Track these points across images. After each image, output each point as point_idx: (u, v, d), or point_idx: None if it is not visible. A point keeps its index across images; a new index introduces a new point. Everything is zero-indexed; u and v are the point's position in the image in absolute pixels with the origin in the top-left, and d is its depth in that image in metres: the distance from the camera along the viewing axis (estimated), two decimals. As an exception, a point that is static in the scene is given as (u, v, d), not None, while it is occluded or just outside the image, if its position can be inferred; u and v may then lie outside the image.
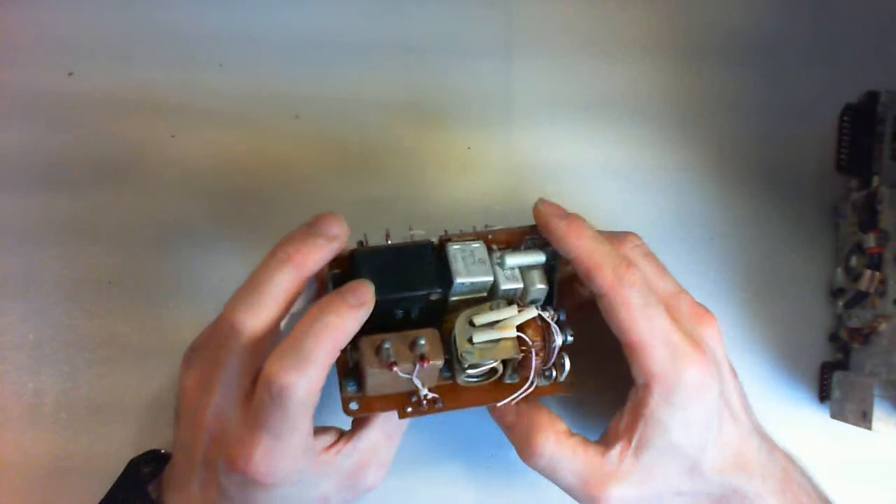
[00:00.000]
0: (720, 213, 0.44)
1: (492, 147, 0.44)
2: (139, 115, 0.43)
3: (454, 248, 0.34)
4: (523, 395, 0.34)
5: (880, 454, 0.42)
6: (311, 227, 0.32)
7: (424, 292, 0.32)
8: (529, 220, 0.35)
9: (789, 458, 0.37)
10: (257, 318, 0.31)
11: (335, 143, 0.43)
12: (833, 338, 0.42)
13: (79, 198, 0.42)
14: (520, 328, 0.33)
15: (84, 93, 0.43)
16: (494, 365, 0.34)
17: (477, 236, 0.34)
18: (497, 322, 0.33)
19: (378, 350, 0.32)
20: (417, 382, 0.32)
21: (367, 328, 0.31)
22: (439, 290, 0.33)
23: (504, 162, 0.44)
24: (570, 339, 0.34)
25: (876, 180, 0.40)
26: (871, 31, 0.45)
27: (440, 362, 0.32)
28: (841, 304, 0.42)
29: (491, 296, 0.35)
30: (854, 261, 0.41)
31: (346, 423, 0.35)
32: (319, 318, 0.29)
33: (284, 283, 0.31)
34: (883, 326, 0.38)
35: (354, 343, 0.32)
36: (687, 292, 0.36)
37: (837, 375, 0.40)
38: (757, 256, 0.43)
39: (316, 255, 0.31)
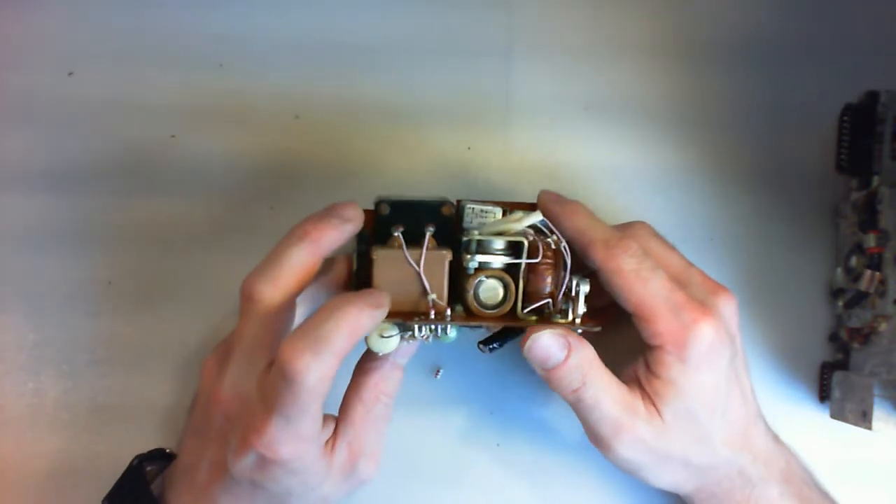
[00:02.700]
0: (720, 213, 0.44)
1: (492, 147, 0.44)
2: (139, 115, 0.43)
3: (466, 205, 0.36)
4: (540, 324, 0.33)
5: (880, 454, 0.42)
6: (328, 210, 0.34)
7: (437, 201, 0.35)
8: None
9: (791, 451, 0.38)
10: (275, 288, 0.32)
11: (335, 143, 0.43)
12: (833, 338, 0.42)
13: (79, 198, 0.42)
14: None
15: (84, 93, 0.43)
16: (505, 281, 0.33)
17: (494, 204, 0.36)
18: (504, 227, 0.34)
19: (388, 237, 0.33)
20: (424, 279, 0.32)
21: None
22: (451, 203, 0.35)
23: (504, 162, 0.44)
24: (585, 287, 0.33)
25: (876, 180, 0.40)
26: (871, 31, 0.45)
27: (447, 252, 0.33)
28: (841, 304, 0.42)
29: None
30: (854, 261, 0.41)
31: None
32: (340, 307, 0.30)
33: (301, 257, 0.32)
34: (883, 326, 0.38)
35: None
36: (698, 268, 0.36)
37: (837, 375, 0.40)
38: (757, 256, 0.43)
39: (331, 234, 0.33)
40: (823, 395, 0.42)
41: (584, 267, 0.35)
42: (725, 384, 0.34)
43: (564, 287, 0.33)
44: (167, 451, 0.38)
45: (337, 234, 0.33)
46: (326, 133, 0.43)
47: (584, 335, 0.34)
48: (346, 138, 0.43)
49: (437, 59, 0.44)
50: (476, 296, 0.33)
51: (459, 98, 0.44)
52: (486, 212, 0.36)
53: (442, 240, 0.34)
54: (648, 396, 0.34)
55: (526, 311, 0.33)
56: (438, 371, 0.41)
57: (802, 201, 0.44)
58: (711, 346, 0.33)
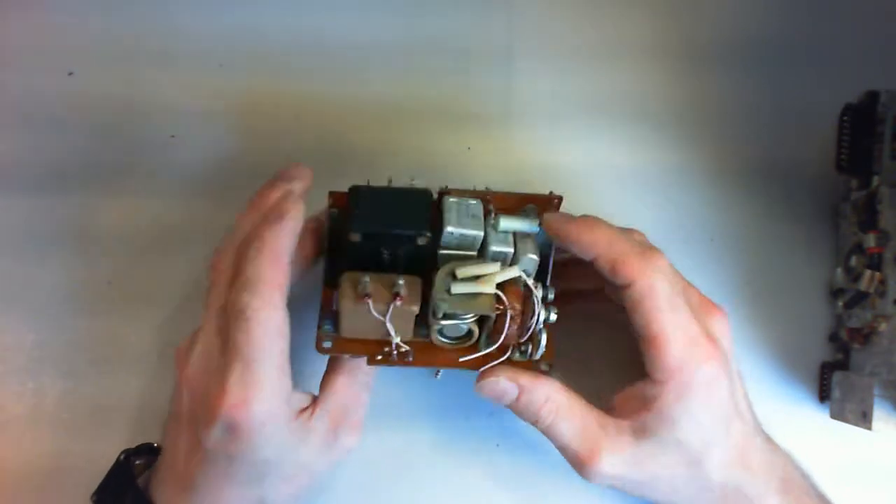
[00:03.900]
0: (720, 213, 0.44)
1: (492, 147, 0.44)
2: (139, 115, 0.43)
3: (451, 201, 0.34)
4: (495, 364, 0.34)
5: (880, 454, 0.42)
6: (274, 178, 0.35)
7: (412, 233, 0.33)
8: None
9: (789, 457, 0.37)
10: (228, 260, 0.33)
11: (335, 143, 0.43)
12: (833, 338, 0.42)
13: (79, 198, 0.42)
14: (501, 289, 0.33)
15: (84, 93, 0.43)
16: (469, 323, 0.34)
17: (476, 195, 0.35)
18: (478, 277, 0.33)
19: (356, 284, 0.33)
20: (390, 327, 0.33)
21: (357, 268, 0.33)
22: (427, 234, 0.33)
23: (504, 162, 0.44)
24: (553, 317, 0.34)
25: (876, 180, 0.40)
26: (871, 31, 0.45)
27: (415, 308, 0.33)
28: (841, 304, 0.42)
29: (480, 257, 0.34)
30: (854, 261, 0.41)
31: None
32: (251, 245, 0.32)
33: (248, 226, 0.33)
34: (883, 326, 0.38)
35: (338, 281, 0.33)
36: (694, 287, 0.36)
37: (837, 375, 0.40)
38: (757, 256, 0.43)
39: (275, 195, 0.34)
40: (823, 395, 0.42)
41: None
42: (724, 414, 0.34)
43: (529, 333, 0.34)
44: (155, 445, 0.38)
45: (279, 195, 0.34)
46: (326, 133, 0.43)
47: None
48: (346, 138, 0.43)
49: (437, 59, 0.44)
50: (441, 331, 0.34)
51: (459, 98, 0.44)
52: (470, 205, 0.34)
53: (417, 259, 0.34)
54: (631, 425, 0.34)
55: (486, 350, 0.34)
56: (438, 372, 0.41)
57: (802, 201, 0.44)
58: (712, 382, 0.33)
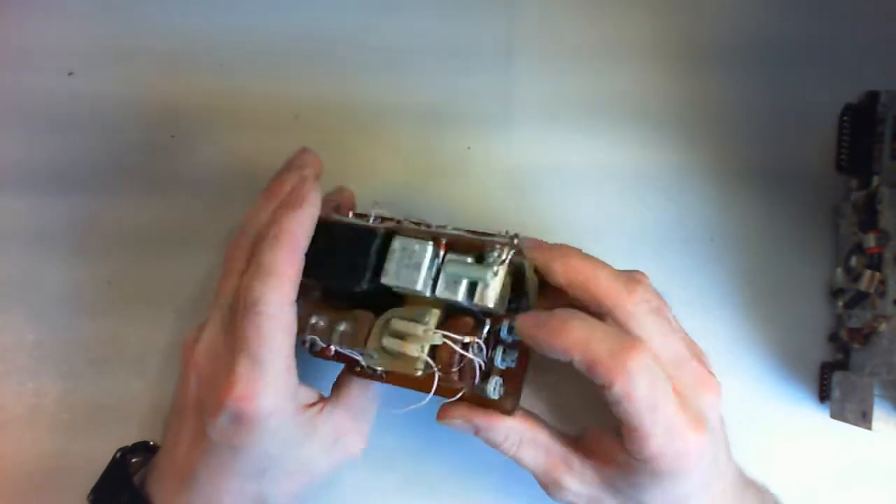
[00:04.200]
0: (720, 213, 0.44)
1: (492, 147, 0.44)
2: (139, 115, 0.43)
3: (396, 244, 0.32)
4: (453, 400, 0.33)
5: (880, 454, 0.42)
6: (283, 167, 0.36)
7: (348, 282, 0.32)
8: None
9: (760, 492, 0.37)
10: (244, 250, 0.33)
11: (335, 143, 0.43)
12: (833, 338, 0.42)
13: (79, 198, 0.42)
14: (434, 348, 0.31)
15: (84, 93, 0.43)
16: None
17: (430, 236, 0.32)
18: (404, 335, 0.31)
19: (309, 318, 0.33)
20: (351, 353, 0.33)
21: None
22: (363, 285, 0.32)
23: (504, 162, 0.44)
24: (510, 364, 0.32)
25: (876, 180, 0.40)
26: (871, 31, 0.45)
27: (356, 353, 0.33)
28: (841, 304, 0.42)
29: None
30: (854, 261, 0.41)
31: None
32: (268, 231, 0.32)
33: (265, 216, 0.33)
34: (883, 326, 0.38)
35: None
36: (696, 356, 0.33)
37: (837, 375, 0.40)
38: (757, 256, 0.43)
39: (290, 183, 0.34)
40: (823, 395, 0.42)
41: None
42: (698, 484, 0.32)
43: (486, 375, 0.32)
44: (151, 443, 0.38)
45: (291, 186, 0.34)
46: (326, 133, 0.43)
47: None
48: (346, 138, 0.43)
49: (437, 59, 0.44)
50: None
51: (459, 98, 0.44)
52: (415, 250, 0.31)
53: (391, 299, 0.33)
54: (603, 472, 0.33)
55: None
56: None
57: (802, 201, 0.44)
58: (691, 464, 0.31)
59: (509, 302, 0.32)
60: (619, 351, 0.29)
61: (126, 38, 0.43)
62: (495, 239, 0.31)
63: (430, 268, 0.31)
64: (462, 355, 0.31)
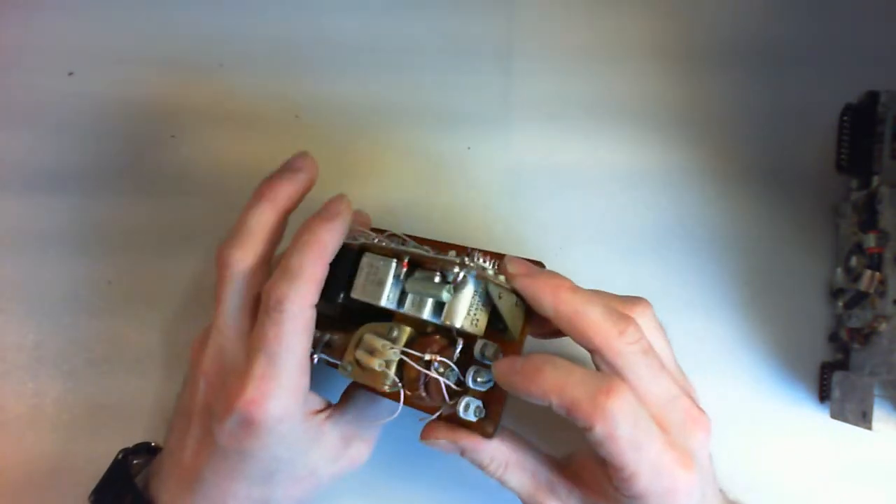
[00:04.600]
0: (720, 213, 0.44)
1: (492, 147, 0.44)
2: (139, 115, 0.43)
3: (364, 260, 0.33)
4: (433, 418, 0.33)
5: (880, 454, 0.42)
6: (280, 168, 0.35)
7: (328, 297, 0.33)
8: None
9: None
10: (244, 251, 0.33)
11: (335, 143, 0.43)
12: (833, 338, 0.42)
13: (79, 198, 0.42)
14: (402, 363, 0.32)
15: (84, 93, 0.43)
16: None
17: (394, 253, 0.32)
18: (372, 350, 0.32)
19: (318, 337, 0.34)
20: (333, 362, 0.33)
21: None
22: (339, 301, 0.33)
23: (504, 162, 0.44)
24: (485, 386, 0.31)
25: (876, 180, 0.40)
26: (871, 31, 0.45)
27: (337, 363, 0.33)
28: (841, 304, 0.42)
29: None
30: (854, 261, 0.41)
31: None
32: (300, 238, 0.32)
33: (262, 217, 0.33)
34: (883, 326, 0.38)
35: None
36: (685, 392, 0.32)
37: (837, 375, 0.40)
38: (757, 256, 0.43)
39: (285, 187, 0.34)
40: (823, 395, 0.42)
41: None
42: None
43: (448, 399, 0.32)
44: (152, 444, 0.38)
45: (290, 187, 0.34)
46: (326, 133, 0.43)
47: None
48: (346, 138, 0.43)
49: (437, 59, 0.44)
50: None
51: (459, 98, 0.44)
52: (380, 266, 0.32)
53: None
54: (587, 501, 0.33)
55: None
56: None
57: (802, 201, 0.44)
58: (683, 499, 0.31)
59: (496, 323, 0.32)
60: (598, 393, 0.29)
61: (126, 38, 0.43)
62: (447, 258, 0.31)
63: (394, 284, 0.32)
64: (427, 374, 0.31)
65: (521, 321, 0.32)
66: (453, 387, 0.32)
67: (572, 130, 0.44)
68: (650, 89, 0.44)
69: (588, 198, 0.43)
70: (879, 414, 0.37)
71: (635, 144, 0.44)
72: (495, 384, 0.31)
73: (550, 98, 0.44)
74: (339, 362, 0.33)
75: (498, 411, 0.32)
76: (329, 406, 0.35)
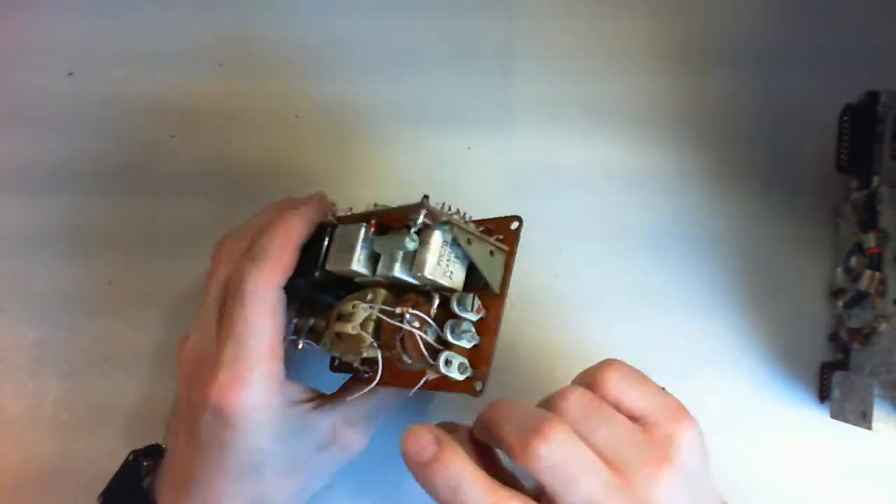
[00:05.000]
0: (720, 214, 0.43)
1: (492, 147, 0.44)
2: (139, 115, 0.43)
3: (337, 232, 0.33)
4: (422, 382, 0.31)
5: (880, 454, 0.42)
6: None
7: (306, 276, 0.33)
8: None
9: None
10: (243, 242, 0.33)
11: (335, 143, 0.43)
12: (833, 338, 0.42)
13: (79, 198, 0.42)
14: (378, 323, 0.31)
15: (84, 93, 0.43)
16: (358, 357, 0.32)
17: (362, 218, 0.32)
18: (342, 316, 0.32)
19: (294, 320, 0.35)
20: (315, 346, 0.33)
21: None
22: (317, 276, 0.33)
23: (504, 162, 0.44)
24: (463, 342, 0.30)
25: (876, 180, 0.40)
26: (871, 31, 0.45)
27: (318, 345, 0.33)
28: (841, 304, 0.42)
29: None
30: (854, 261, 0.41)
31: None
32: (268, 222, 0.33)
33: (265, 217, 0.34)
34: (883, 326, 0.38)
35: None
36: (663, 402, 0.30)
37: (837, 375, 0.40)
38: (757, 256, 0.43)
39: (307, 204, 0.34)
40: (823, 395, 0.42)
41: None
42: None
43: (428, 359, 0.30)
44: (162, 445, 0.38)
45: (309, 205, 0.34)
46: (326, 133, 0.43)
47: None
48: (346, 138, 0.43)
49: (437, 59, 0.44)
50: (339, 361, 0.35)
51: (459, 98, 0.44)
52: (350, 233, 0.32)
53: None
54: None
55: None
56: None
57: (802, 201, 0.44)
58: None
59: (476, 279, 0.31)
60: (528, 432, 0.28)
61: (126, 38, 0.43)
62: (409, 205, 0.30)
63: (363, 248, 0.32)
64: (401, 329, 0.30)
65: (501, 272, 0.31)
66: (434, 344, 0.30)
67: (572, 130, 0.44)
68: (650, 89, 0.44)
69: (588, 198, 0.43)
70: (879, 414, 0.37)
71: (635, 145, 0.44)
72: (481, 340, 0.30)
73: (550, 98, 0.44)
74: (320, 344, 0.33)
75: (485, 369, 0.30)
76: (319, 395, 0.34)
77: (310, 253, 0.33)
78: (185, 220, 0.42)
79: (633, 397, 0.31)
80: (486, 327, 0.31)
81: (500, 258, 0.31)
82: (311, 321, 0.34)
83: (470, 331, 0.30)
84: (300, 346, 0.33)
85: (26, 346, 0.41)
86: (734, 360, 0.42)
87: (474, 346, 0.31)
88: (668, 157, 0.44)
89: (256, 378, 0.31)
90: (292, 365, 0.34)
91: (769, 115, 0.44)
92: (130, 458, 0.37)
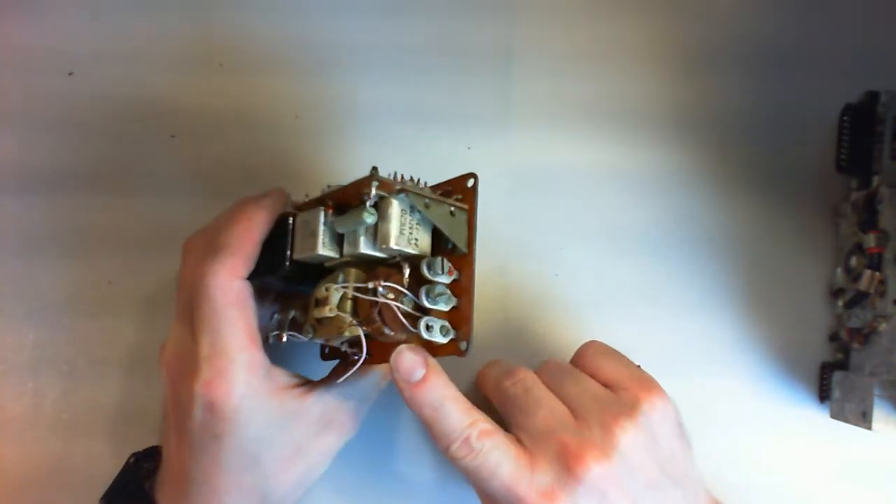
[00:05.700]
0: (720, 214, 0.44)
1: (492, 147, 0.44)
2: (139, 115, 0.43)
3: (298, 220, 0.33)
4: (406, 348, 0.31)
5: (880, 454, 0.42)
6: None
7: (276, 270, 0.33)
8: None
9: None
10: (203, 238, 0.34)
11: (335, 143, 0.43)
12: (833, 338, 0.42)
13: (79, 198, 0.42)
14: (355, 301, 0.31)
15: (84, 93, 0.43)
16: (339, 341, 0.32)
17: (319, 202, 0.32)
18: (318, 301, 0.32)
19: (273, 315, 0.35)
20: (299, 337, 0.33)
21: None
22: (282, 274, 0.33)
23: (504, 162, 0.44)
24: (440, 305, 0.30)
25: (876, 180, 0.40)
26: (871, 31, 0.45)
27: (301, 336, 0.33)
28: (841, 304, 0.42)
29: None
30: (854, 261, 0.41)
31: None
32: (228, 216, 0.33)
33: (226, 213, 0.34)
34: (883, 326, 0.38)
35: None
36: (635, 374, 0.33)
37: (837, 375, 0.40)
38: (757, 256, 0.43)
39: (270, 196, 0.34)
40: (823, 395, 0.42)
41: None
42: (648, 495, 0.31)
43: (410, 327, 0.31)
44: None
45: (272, 198, 0.34)
46: (326, 133, 0.43)
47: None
48: (346, 138, 0.43)
49: (437, 59, 0.44)
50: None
51: (459, 98, 0.44)
52: (309, 220, 0.32)
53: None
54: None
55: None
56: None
57: (802, 201, 0.44)
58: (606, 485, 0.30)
59: (443, 243, 0.31)
60: (501, 375, 0.34)
61: (126, 38, 0.43)
62: (359, 179, 0.31)
63: (325, 231, 0.32)
64: (377, 302, 0.30)
65: (465, 231, 0.31)
66: (413, 313, 0.31)
67: (572, 131, 0.44)
68: (650, 90, 0.44)
69: (588, 198, 0.43)
70: (879, 414, 0.37)
71: (635, 145, 0.44)
72: (458, 301, 0.31)
73: (550, 99, 0.44)
74: (302, 335, 0.33)
75: (467, 328, 0.30)
76: (307, 381, 0.34)
77: (276, 248, 0.33)
78: (184, 220, 0.42)
79: (608, 369, 0.34)
80: (461, 288, 0.31)
81: (461, 217, 0.31)
82: (292, 313, 0.34)
83: (445, 293, 0.31)
84: (284, 340, 0.33)
85: (26, 346, 0.41)
86: (734, 360, 0.42)
87: (453, 309, 0.31)
88: (668, 157, 0.44)
89: (239, 367, 0.31)
90: (281, 362, 0.34)
91: (769, 115, 0.44)
92: (131, 460, 0.37)
